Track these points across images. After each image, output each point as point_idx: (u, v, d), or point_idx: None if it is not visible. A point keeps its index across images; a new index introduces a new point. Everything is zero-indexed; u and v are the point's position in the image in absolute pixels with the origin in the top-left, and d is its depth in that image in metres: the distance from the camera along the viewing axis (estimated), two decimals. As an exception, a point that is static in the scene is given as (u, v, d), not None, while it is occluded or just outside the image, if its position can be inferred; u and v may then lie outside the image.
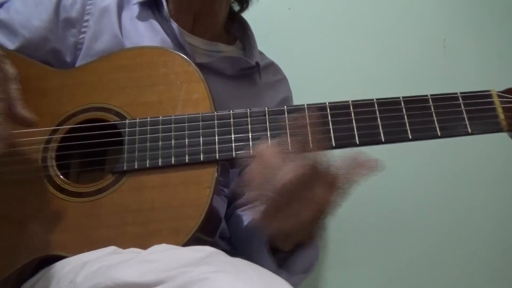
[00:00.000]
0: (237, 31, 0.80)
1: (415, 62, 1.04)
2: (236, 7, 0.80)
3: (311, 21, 1.05)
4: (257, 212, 0.50)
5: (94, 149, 0.56)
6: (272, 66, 0.82)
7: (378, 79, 1.03)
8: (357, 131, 0.53)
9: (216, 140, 0.54)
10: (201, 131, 0.55)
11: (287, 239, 0.53)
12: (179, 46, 0.66)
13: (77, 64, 0.63)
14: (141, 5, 0.68)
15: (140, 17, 0.67)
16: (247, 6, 0.79)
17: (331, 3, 1.06)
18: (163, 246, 0.49)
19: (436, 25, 1.06)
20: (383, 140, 0.53)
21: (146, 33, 0.66)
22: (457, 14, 1.07)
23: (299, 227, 0.48)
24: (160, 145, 0.54)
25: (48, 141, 0.56)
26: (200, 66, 0.59)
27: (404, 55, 1.05)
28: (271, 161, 0.46)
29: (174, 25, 0.67)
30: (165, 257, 0.45)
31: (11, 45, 0.61)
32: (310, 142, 0.46)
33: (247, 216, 0.72)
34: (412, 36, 1.05)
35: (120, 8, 0.67)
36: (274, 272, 0.55)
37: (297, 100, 0.85)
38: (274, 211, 0.46)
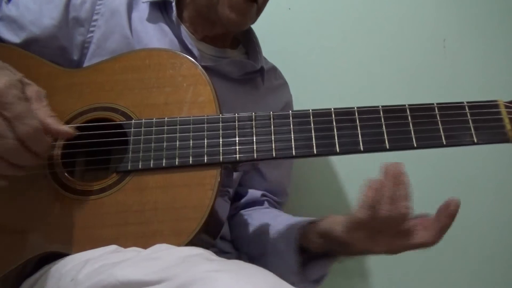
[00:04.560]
0: (240, 35, 0.81)
1: (415, 62, 1.04)
2: None
3: (311, 22, 1.05)
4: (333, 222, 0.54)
5: (100, 148, 0.56)
6: (274, 71, 0.83)
7: (378, 79, 1.03)
8: (361, 137, 0.53)
9: (221, 142, 0.54)
10: (206, 133, 0.55)
11: (331, 245, 0.56)
12: (187, 49, 0.67)
13: (86, 63, 0.64)
14: (151, 5, 0.69)
15: (150, 19, 0.68)
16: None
17: (331, 3, 1.06)
18: (165, 245, 0.49)
19: (436, 25, 1.06)
20: (387, 147, 0.52)
21: (155, 35, 0.67)
22: (457, 14, 1.07)
23: (362, 251, 0.53)
24: (164, 146, 0.55)
25: (55, 139, 0.56)
26: (206, 68, 0.60)
27: (404, 55, 1.05)
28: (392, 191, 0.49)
29: (183, 29, 0.68)
30: (167, 256, 0.45)
31: (17, 39, 0.62)
32: None
33: (258, 214, 0.72)
34: (412, 36, 1.06)
35: (130, 9, 0.68)
36: (291, 273, 0.58)
37: (296, 101, 0.86)
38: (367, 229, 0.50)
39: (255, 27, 0.80)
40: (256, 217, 0.73)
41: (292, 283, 0.41)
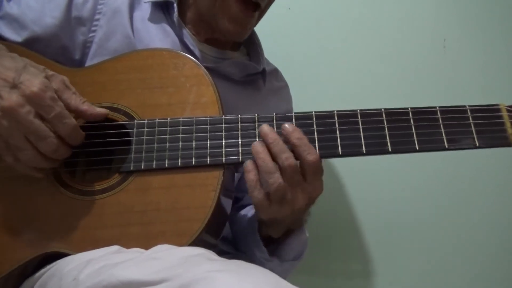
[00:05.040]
0: None
1: (415, 62, 1.05)
2: None
3: (311, 21, 1.05)
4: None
5: (102, 148, 0.56)
6: (275, 73, 0.84)
7: (378, 79, 1.04)
8: (364, 140, 0.53)
9: (223, 143, 0.54)
10: (208, 134, 0.55)
11: (278, 226, 0.57)
12: (188, 50, 0.67)
13: (87, 63, 0.64)
14: (153, 5, 0.69)
15: (152, 19, 0.68)
16: None
17: (331, 3, 1.06)
18: (166, 245, 0.49)
19: (436, 25, 1.07)
20: (390, 150, 0.53)
21: (157, 35, 0.67)
22: (457, 14, 1.08)
23: (291, 214, 0.53)
24: (167, 146, 0.55)
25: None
26: (208, 69, 0.60)
27: (404, 55, 1.05)
28: (266, 163, 0.50)
29: (185, 31, 0.68)
30: (169, 256, 0.45)
31: (18, 38, 0.61)
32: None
33: (245, 212, 0.73)
34: (412, 36, 1.06)
35: (132, 8, 0.67)
36: (266, 259, 0.60)
37: (296, 102, 0.86)
38: (268, 203, 0.51)
39: (255, 27, 0.80)
40: (240, 216, 0.73)
41: (271, 270, 0.43)
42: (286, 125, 0.52)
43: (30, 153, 0.49)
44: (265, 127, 0.52)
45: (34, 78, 0.49)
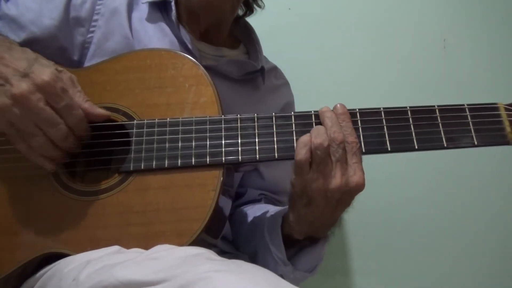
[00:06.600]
0: (241, 35, 0.80)
1: (415, 62, 1.05)
2: (241, 11, 0.81)
3: (311, 22, 1.06)
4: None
5: (101, 149, 0.56)
6: (275, 70, 0.83)
7: (378, 79, 1.04)
8: (363, 139, 0.53)
9: (223, 143, 0.54)
10: (208, 134, 0.55)
11: (306, 208, 0.54)
12: (187, 49, 0.67)
13: (86, 63, 0.64)
14: (150, 5, 0.69)
15: (150, 19, 0.68)
16: (251, 13, 0.80)
17: (331, 3, 1.07)
18: (166, 245, 0.49)
19: (436, 25, 1.08)
20: (389, 149, 0.53)
21: (155, 35, 0.67)
22: (457, 14, 1.09)
23: (323, 194, 0.51)
24: (167, 146, 0.55)
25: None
26: (207, 68, 0.59)
27: (404, 55, 1.05)
28: (319, 128, 0.52)
29: (183, 29, 0.68)
30: (168, 256, 0.45)
31: (17, 39, 0.61)
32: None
33: (252, 210, 0.73)
34: (412, 36, 1.06)
35: (130, 8, 0.67)
36: (283, 261, 0.59)
37: (296, 101, 0.86)
38: (308, 167, 0.51)
39: (254, 26, 0.80)
40: (251, 213, 0.73)
41: (280, 275, 0.42)
42: (338, 105, 0.54)
43: (42, 139, 0.50)
44: (325, 108, 0.54)
45: (45, 68, 0.50)
